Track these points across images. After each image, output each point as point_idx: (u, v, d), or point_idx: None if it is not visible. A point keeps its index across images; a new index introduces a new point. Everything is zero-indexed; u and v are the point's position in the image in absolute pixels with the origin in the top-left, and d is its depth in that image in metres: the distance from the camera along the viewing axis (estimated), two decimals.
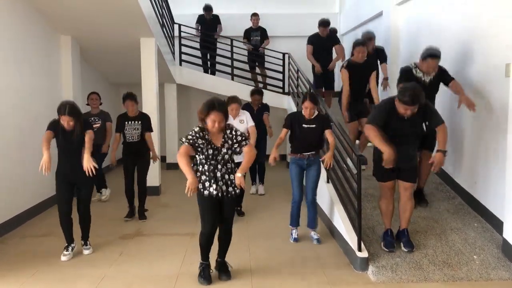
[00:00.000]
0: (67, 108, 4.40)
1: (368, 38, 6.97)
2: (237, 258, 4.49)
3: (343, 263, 4.51)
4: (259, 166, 7.46)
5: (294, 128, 5.01)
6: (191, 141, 3.83)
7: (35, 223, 5.95)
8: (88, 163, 4.41)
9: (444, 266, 4.22)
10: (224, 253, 4.20)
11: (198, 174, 3.93)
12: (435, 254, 4.41)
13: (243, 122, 5.86)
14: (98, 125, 6.78)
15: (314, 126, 4.94)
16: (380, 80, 7.45)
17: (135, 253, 4.85)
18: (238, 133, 3.96)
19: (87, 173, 4.42)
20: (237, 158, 4.21)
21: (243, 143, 3.95)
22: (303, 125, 4.94)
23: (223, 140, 3.91)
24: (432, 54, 5.00)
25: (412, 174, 4.50)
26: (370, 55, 6.72)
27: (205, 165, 3.90)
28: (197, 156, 3.96)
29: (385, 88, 7.30)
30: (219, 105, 3.77)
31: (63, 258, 4.64)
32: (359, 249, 4.30)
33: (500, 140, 4.62)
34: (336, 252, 4.80)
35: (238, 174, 3.90)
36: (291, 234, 5.19)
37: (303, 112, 4.96)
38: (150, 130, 6.08)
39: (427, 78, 5.14)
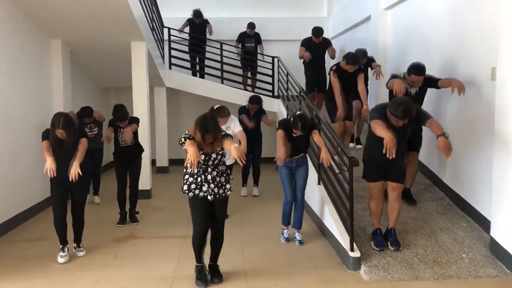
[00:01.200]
0: (61, 122, 4.47)
1: (361, 55, 7.14)
2: (231, 260, 4.55)
3: (336, 263, 4.59)
4: (254, 169, 7.54)
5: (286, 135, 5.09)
6: (190, 137, 3.90)
7: (27, 227, 5.93)
8: (74, 169, 4.48)
9: (434, 265, 4.32)
10: (216, 256, 4.24)
11: (187, 176, 4.00)
12: (425, 253, 4.51)
13: (229, 129, 5.84)
14: (95, 132, 6.83)
15: (302, 133, 5.01)
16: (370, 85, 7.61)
17: (130, 255, 4.88)
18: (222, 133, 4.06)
19: (70, 178, 4.46)
20: (228, 161, 4.27)
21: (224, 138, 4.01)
22: (293, 134, 5.03)
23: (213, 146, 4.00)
24: (417, 71, 5.21)
25: (399, 175, 4.62)
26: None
27: (196, 169, 3.95)
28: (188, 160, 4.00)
29: (378, 76, 7.33)
30: (212, 128, 3.83)
31: (60, 260, 4.65)
32: (352, 249, 4.38)
33: (487, 142, 4.75)
34: (329, 253, 4.88)
35: (235, 145, 3.95)
36: (282, 234, 5.28)
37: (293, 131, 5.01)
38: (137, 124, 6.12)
39: (413, 90, 5.34)
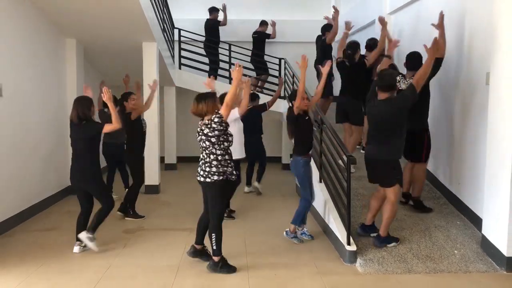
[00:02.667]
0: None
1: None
2: (233, 252, 4.80)
3: (334, 256, 4.83)
4: (260, 166, 7.73)
5: (300, 122, 5.15)
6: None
7: (40, 218, 6.23)
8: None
9: (427, 260, 4.54)
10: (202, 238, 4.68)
11: (230, 166, 4.32)
12: (419, 248, 4.73)
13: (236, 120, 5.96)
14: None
15: (308, 118, 5.23)
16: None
17: (138, 246, 5.15)
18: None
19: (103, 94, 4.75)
20: (234, 155, 4.54)
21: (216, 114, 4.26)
22: (305, 118, 5.16)
23: None
24: (413, 63, 5.43)
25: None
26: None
27: (227, 155, 4.30)
28: (223, 143, 4.26)
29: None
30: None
31: (75, 250, 4.88)
32: (348, 243, 4.61)
33: (480, 143, 4.96)
34: (327, 247, 5.11)
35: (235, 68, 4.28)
36: (304, 233, 5.34)
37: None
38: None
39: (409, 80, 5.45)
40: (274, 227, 5.76)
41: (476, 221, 5.09)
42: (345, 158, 4.82)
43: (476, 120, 5.15)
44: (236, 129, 5.81)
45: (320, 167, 5.98)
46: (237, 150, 5.76)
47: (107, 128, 4.76)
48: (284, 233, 5.34)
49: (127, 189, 6.33)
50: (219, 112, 4.21)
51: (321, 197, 5.73)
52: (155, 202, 7.06)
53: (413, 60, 5.47)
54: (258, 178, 7.78)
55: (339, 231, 4.85)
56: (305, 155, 5.23)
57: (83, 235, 4.83)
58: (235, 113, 5.78)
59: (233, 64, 10.04)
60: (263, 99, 8.44)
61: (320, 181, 5.96)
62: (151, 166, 7.25)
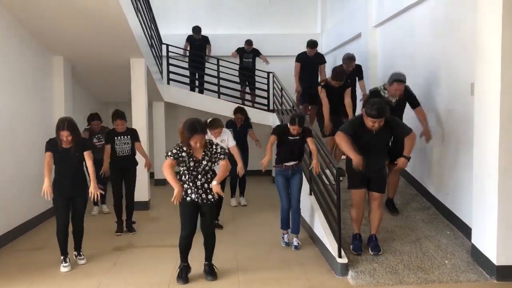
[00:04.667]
0: (66, 123, 4.71)
1: (349, 59, 7.43)
2: (224, 266, 4.78)
3: (325, 269, 4.81)
4: (240, 179, 7.73)
5: (281, 139, 5.44)
6: (175, 155, 4.29)
7: (29, 237, 6.14)
8: (95, 190, 4.82)
9: (418, 270, 4.55)
10: (210, 256, 4.60)
11: (181, 183, 4.39)
12: (410, 259, 4.74)
13: (224, 141, 6.10)
14: (103, 142, 6.89)
15: (298, 138, 5.38)
16: (359, 97, 7.86)
17: (128, 263, 5.10)
18: (219, 147, 4.45)
19: (92, 198, 4.84)
20: (218, 169, 4.60)
21: (221, 156, 4.41)
22: (289, 137, 5.38)
23: (204, 153, 4.37)
24: (397, 79, 5.58)
25: (380, 185, 4.91)
26: (351, 72, 7.30)
27: (187, 175, 4.38)
28: (180, 167, 4.39)
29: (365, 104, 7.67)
30: (200, 128, 4.22)
31: (63, 270, 4.85)
32: (339, 256, 4.61)
33: (467, 153, 5.02)
34: (318, 259, 5.11)
35: (214, 182, 4.35)
36: (283, 238, 5.59)
37: (290, 129, 5.33)
38: (139, 140, 6.40)
39: (393, 99, 5.67)
40: (265, 240, 5.75)
41: (466, 230, 5.13)
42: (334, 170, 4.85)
43: (462, 130, 5.21)
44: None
45: (310, 180, 5.99)
46: None
47: (86, 157, 4.94)
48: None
49: (127, 207, 6.31)
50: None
51: (310, 209, 5.74)
52: (145, 218, 7.01)
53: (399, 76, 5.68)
54: (242, 192, 7.84)
55: (330, 244, 4.84)
56: (280, 165, 5.47)
57: (81, 263, 5.05)
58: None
59: (222, 79, 10.15)
60: (252, 112, 8.49)
61: (310, 194, 5.97)
62: (141, 182, 7.18)
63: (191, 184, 4.37)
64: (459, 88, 5.29)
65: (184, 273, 4.49)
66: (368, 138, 4.68)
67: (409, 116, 5.86)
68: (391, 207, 5.92)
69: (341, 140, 4.69)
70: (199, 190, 4.38)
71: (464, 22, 5.25)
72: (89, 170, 4.90)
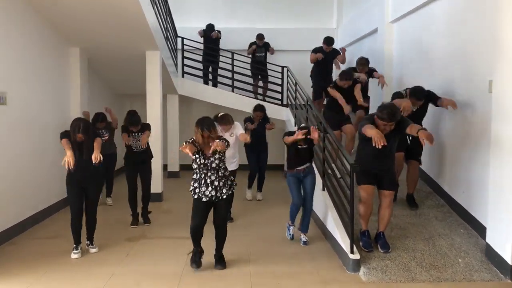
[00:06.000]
0: (81, 127, 4.85)
1: (362, 64, 7.45)
2: (236, 260, 4.81)
3: (337, 264, 4.80)
4: (260, 176, 7.78)
5: (290, 148, 5.51)
6: (191, 141, 4.44)
7: (43, 226, 6.23)
8: (96, 154, 4.88)
9: (430, 268, 4.51)
10: (220, 248, 4.73)
11: (192, 182, 4.53)
12: (422, 257, 4.71)
13: (233, 135, 6.18)
14: (106, 137, 7.03)
15: (306, 146, 5.45)
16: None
17: (141, 254, 5.15)
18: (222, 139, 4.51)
19: (94, 160, 4.85)
20: (230, 167, 4.64)
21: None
22: (298, 147, 5.43)
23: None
24: (417, 96, 5.68)
25: (391, 183, 4.91)
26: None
27: (198, 173, 4.49)
28: (193, 165, 4.49)
29: (382, 85, 7.55)
30: (208, 126, 4.44)
31: (73, 256, 4.96)
32: (352, 252, 4.60)
33: (484, 152, 4.95)
34: (330, 255, 5.10)
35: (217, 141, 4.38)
36: (288, 230, 5.64)
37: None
38: (147, 130, 6.40)
39: (414, 107, 5.66)
40: (277, 234, 5.76)
41: (480, 229, 5.07)
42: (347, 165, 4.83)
43: (479, 128, 5.14)
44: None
45: (323, 175, 5.97)
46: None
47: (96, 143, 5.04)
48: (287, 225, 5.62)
49: (143, 197, 6.38)
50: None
51: (323, 205, 5.73)
52: (157, 210, 7.05)
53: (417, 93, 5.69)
54: (259, 187, 7.85)
55: (342, 240, 4.83)
56: (291, 170, 5.52)
57: (93, 251, 5.13)
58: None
59: (236, 72, 10.15)
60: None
61: (323, 189, 5.96)
62: (154, 174, 7.21)
63: (203, 181, 4.47)
64: (477, 85, 5.21)
65: (197, 257, 4.62)
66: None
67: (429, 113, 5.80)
68: (411, 202, 5.94)
69: (366, 128, 4.65)
70: (209, 187, 4.47)
71: (483, 18, 5.16)
72: (94, 145, 4.96)
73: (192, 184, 4.56)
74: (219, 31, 10.70)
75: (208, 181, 4.47)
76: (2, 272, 4.57)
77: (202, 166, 4.46)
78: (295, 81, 8.57)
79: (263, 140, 7.74)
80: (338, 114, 6.78)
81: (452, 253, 4.79)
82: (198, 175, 4.51)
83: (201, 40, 10.68)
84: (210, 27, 10.66)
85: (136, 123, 6.24)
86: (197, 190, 4.50)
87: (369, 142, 4.56)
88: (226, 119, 6.04)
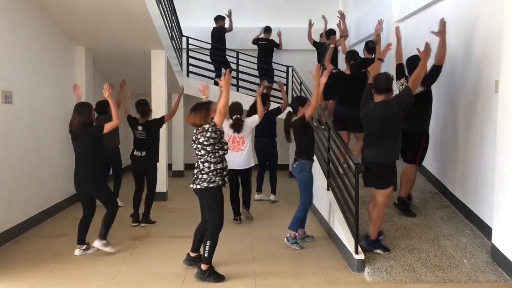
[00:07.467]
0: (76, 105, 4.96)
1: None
2: (241, 259, 4.83)
3: (341, 265, 4.80)
4: (270, 177, 7.72)
5: (306, 129, 5.33)
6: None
7: (49, 224, 6.26)
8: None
9: (435, 269, 4.50)
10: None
11: (212, 171, 4.30)
12: (427, 258, 4.70)
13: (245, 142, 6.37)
14: None
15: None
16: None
17: (145, 253, 5.16)
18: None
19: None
20: (230, 165, 4.75)
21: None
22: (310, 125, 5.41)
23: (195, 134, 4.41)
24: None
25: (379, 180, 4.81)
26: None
27: (223, 150, 4.39)
28: (218, 152, 4.33)
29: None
30: (206, 110, 4.44)
31: (76, 253, 5.01)
32: (356, 252, 4.59)
33: (489, 152, 4.92)
34: (335, 255, 5.09)
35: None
36: (306, 237, 5.54)
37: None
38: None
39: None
40: (282, 234, 5.72)
41: (486, 230, 5.05)
42: (352, 165, 4.82)
43: (485, 128, 5.12)
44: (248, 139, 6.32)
45: (328, 174, 5.96)
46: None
47: (108, 127, 4.90)
48: (285, 239, 5.32)
49: (146, 197, 6.36)
50: (213, 120, 4.32)
51: (328, 205, 5.72)
52: (162, 209, 7.07)
53: (413, 63, 5.45)
54: (273, 189, 7.78)
55: (347, 240, 4.82)
56: (311, 159, 5.39)
57: (98, 244, 5.02)
58: (255, 119, 6.22)
59: (241, 72, 10.14)
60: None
61: (328, 189, 5.95)
62: (159, 173, 7.22)
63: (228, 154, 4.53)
64: (483, 85, 5.18)
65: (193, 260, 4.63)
66: (374, 119, 4.69)
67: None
68: (404, 208, 5.68)
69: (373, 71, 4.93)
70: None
71: (489, 18, 5.13)
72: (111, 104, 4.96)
73: (212, 172, 4.27)
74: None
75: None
76: (8, 270, 4.59)
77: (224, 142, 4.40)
78: (300, 80, 8.55)
79: (274, 132, 7.63)
80: (342, 109, 6.67)
81: (458, 254, 4.77)
82: (223, 151, 4.35)
83: (205, 39, 10.64)
84: (219, 17, 10.60)
85: (144, 113, 6.26)
86: (224, 172, 4.36)
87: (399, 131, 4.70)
88: (238, 109, 6.27)
